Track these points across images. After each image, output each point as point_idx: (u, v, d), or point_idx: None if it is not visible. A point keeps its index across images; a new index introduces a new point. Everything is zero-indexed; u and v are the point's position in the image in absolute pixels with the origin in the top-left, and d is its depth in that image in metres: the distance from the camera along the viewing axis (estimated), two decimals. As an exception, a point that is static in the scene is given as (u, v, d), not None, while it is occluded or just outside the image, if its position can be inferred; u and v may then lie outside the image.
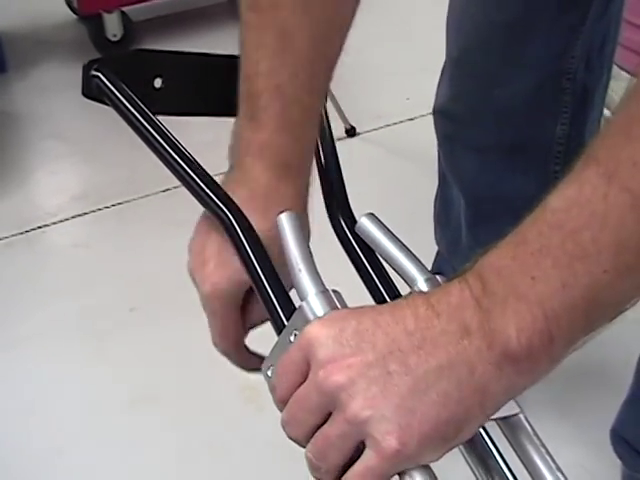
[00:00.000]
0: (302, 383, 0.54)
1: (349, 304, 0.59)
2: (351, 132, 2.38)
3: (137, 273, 1.95)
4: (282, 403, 0.56)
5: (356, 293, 0.66)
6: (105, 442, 1.61)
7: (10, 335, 1.83)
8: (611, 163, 0.48)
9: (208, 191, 0.68)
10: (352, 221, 0.70)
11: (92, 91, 0.75)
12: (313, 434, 0.54)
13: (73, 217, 2.17)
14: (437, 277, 0.62)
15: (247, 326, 0.75)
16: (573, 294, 0.49)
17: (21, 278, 1.99)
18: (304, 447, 0.56)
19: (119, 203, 2.19)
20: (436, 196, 1.52)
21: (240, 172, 0.73)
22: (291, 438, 0.56)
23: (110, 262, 2.01)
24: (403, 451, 0.50)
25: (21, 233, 2.11)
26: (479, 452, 0.60)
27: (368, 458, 0.51)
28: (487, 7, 1.17)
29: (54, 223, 2.15)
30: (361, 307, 0.55)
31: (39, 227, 2.14)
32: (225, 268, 0.70)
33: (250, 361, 0.76)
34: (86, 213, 2.18)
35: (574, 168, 0.50)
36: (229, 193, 0.70)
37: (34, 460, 1.58)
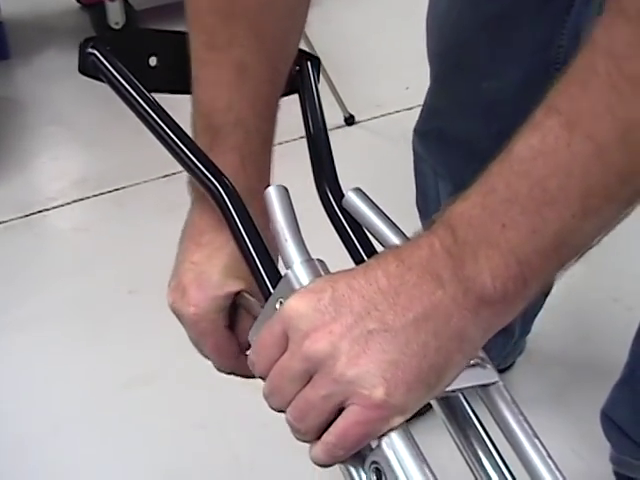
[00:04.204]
0: (281, 356, 0.56)
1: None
2: (350, 120, 2.39)
3: (136, 257, 1.96)
4: (263, 376, 0.58)
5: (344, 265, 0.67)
6: (102, 423, 1.62)
7: (10, 317, 1.84)
8: (572, 113, 0.49)
9: (199, 165, 0.69)
10: (340, 195, 0.71)
11: (88, 68, 0.76)
12: None
13: (73, 201, 2.18)
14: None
15: (243, 348, 0.76)
16: (543, 239, 0.51)
17: (21, 261, 2.00)
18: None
19: (119, 188, 2.21)
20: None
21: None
22: (273, 408, 0.58)
23: (109, 246, 2.02)
24: (390, 401, 0.53)
25: (22, 217, 2.13)
26: (459, 420, 0.62)
27: (354, 413, 0.53)
28: (475, 1, 1.18)
29: (54, 207, 2.16)
30: (335, 273, 0.57)
31: (40, 211, 2.15)
32: (204, 289, 0.72)
33: None
34: (86, 198, 2.19)
35: (535, 116, 0.52)
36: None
37: (32, 440, 1.60)
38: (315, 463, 0.57)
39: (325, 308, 0.54)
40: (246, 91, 0.73)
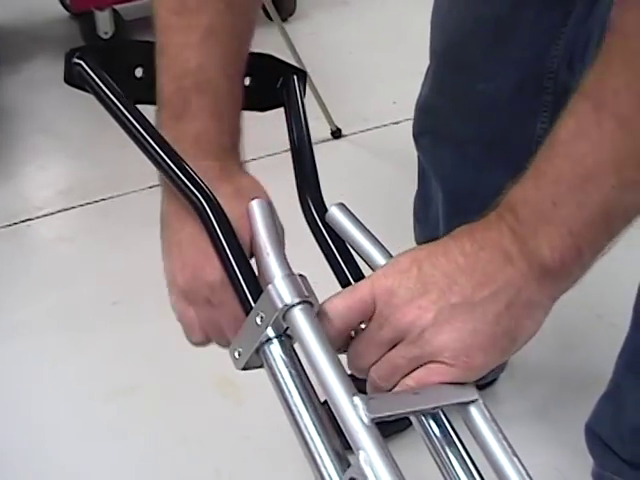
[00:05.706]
0: (361, 321, 0.64)
1: (317, 289, 0.62)
2: (337, 134, 2.40)
3: (120, 268, 1.96)
4: (340, 335, 0.64)
5: (326, 279, 0.68)
6: (84, 434, 1.62)
7: (-7, 326, 1.84)
8: (598, 95, 0.56)
9: (183, 177, 0.69)
10: (323, 210, 0.71)
11: (74, 78, 0.76)
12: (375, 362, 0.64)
13: (59, 211, 2.18)
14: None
15: None
16: (590, 211, 0.58)
17: (5, 270, 1.99)
18: (359, 376, 0.65)
19: (105, 199, 2.21)
20: (416, 194, 1.54)
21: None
22: (355, 369, 0.65)
23: (94, 256, 2.02)
24: (470, 363, 0.61)
25: (7, 226, 2.12)
26: (439, 437, 0.62)
27: (437, 368, 0.61)
28: (474, 1, 1.19)
29: (40, 217, 2.16)
30: (415, 251, 0.64)
31: (25, 220, 2.14)
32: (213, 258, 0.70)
33: None
34: (72, 208, 2.19)
35: (571, 102, 0.58)
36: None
37: (14, 450, 1.59)
38: None
39: (413, 285, 0.61)
40: (215, 53, 0.75)
